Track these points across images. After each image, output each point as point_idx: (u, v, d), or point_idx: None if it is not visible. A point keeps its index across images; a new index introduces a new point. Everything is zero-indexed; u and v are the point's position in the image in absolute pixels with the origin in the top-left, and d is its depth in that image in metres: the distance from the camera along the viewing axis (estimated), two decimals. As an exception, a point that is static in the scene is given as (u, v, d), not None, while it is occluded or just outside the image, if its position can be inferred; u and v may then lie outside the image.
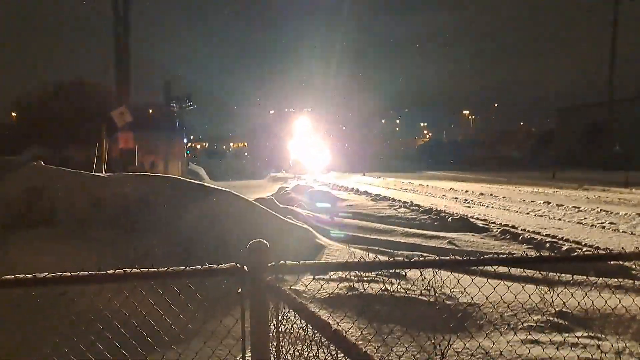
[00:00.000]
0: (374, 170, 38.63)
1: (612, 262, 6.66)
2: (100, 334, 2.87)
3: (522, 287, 4.29)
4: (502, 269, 5.96)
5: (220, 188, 8.15)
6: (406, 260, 3.40)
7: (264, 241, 2.59)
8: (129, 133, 24.45)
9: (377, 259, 5.82)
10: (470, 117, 74.32)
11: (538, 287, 5.10)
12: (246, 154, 69.75)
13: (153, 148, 28.73)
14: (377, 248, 8.27)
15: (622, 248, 8.14)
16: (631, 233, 10.39)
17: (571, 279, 6.02)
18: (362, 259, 6.14)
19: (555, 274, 6.25)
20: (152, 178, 8.19)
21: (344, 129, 49.76)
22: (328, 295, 5.14)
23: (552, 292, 4.99)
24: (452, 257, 3.14)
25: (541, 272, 6.05)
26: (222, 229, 6.62)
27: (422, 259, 3.30)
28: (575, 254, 7.89)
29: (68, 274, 2.34)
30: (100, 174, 8.39)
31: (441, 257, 3.14)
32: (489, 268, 5.60)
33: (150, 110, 32.81)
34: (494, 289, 4.16)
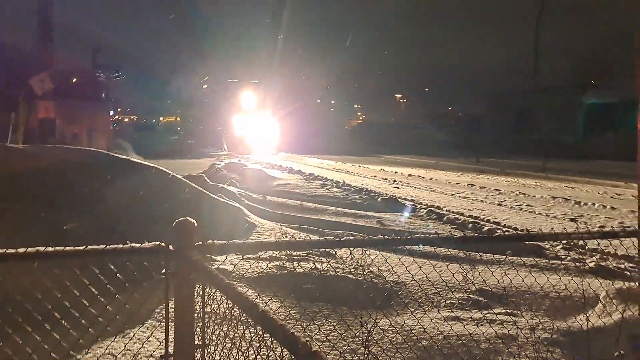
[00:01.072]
0: (321, 152, 36.85)
1: (529, 242, 7.04)
2: (8, 317, 2.67)
3: (447, 266, 4.45)
4: (428, 248, 6.15)
5: (146, 163, 7.85)
6: (337, 239, 3.40)
7: (191, 219, 2.51)
8: (50, 102, 23.06)
9: (308, 238, 5.84)
10: (402, 100, 75.74)
11: (461, 265, 5.31)
12: (179, 129, 65.79)
13: (76, 119, 27.14)
14: (308, 227, 8.31)
15: (540, 229, 8.63)
16: (546, 215, 11.04)
17: (492, 257, 6.31)
18: (293, 238, 6.13)
19: (477, 253, 6.53)
20: (73, 151, 7.74)
21: (279, 107, 46.08)
22: (257, 274, 5.10)
23: (473, 271, 5.21)
24: (381, 236, 3.18)
25: (465, 252, 6.30)
26: (149, 206, 6.39)
27: (352, 238, 3.32)
28: (497, 234, 8.29)
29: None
30: (16, 145, 7.84)
31: (370, 237, 3.18)
32: (415, 247, 5.76)
33: (75, 79, 30.92)
34: (420, 268, 4.28)
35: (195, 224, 2.52)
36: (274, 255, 5.50)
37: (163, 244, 2.49)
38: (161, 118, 74.62)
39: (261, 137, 38.26)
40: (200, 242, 2.53)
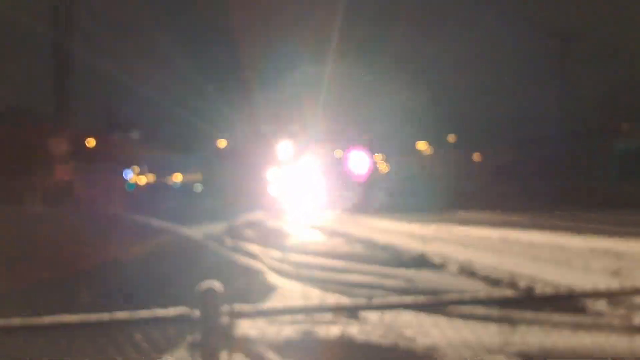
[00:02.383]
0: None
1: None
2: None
3: (485, 329, 4.19)
4: (464, 307, 5.85)
5: (165, 226, 7.81)
6: (365, 301, 3.23)
7: (217, 282, 2.41)
8: (67, 164, 23.38)
9: (335, 300, 5.62)
10: (427, 147, 73.97)
11: (499, 326, 5.02)
12: (201, 185, 63.43)
13: (93, 181, 27.48)
14: (333, 286, 8.05)
15: (580, 286, 8.22)
16: (584, 268, 10.58)
17: (531, 316, 5.97)
18: (319, 301, 5.91)
19: (516, 311, 6.18)
20: (92, 214, 7.75)
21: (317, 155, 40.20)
22: (283, 340, 4.87)
23: (512, 332, 4.91)
24: (412, 297, 3.03)
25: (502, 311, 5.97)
26: (170, 268, 6.28)
27: (379, 299, 3.15)
28: (534, 293, 7.90)
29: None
30: (35, 209, 7.90)
31: (401, 296, 3.01)
32: (450, 308, 5.48)
33: (91, 140, 31.41)
34: (457, 331, 4.03)
35: (222, 288, 2.42)
36: (300, 318, 5.28)
37: (188, 309, 2.38)
38: (181, 175, 74.43)
39: (302, 192, 33.38)
40: (225, 306, 2.42)
